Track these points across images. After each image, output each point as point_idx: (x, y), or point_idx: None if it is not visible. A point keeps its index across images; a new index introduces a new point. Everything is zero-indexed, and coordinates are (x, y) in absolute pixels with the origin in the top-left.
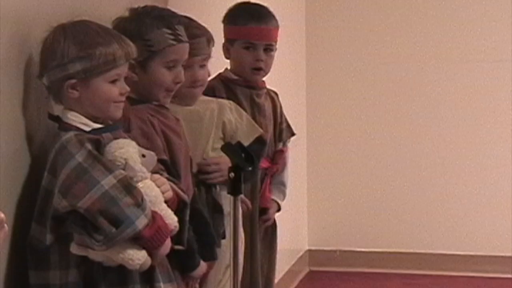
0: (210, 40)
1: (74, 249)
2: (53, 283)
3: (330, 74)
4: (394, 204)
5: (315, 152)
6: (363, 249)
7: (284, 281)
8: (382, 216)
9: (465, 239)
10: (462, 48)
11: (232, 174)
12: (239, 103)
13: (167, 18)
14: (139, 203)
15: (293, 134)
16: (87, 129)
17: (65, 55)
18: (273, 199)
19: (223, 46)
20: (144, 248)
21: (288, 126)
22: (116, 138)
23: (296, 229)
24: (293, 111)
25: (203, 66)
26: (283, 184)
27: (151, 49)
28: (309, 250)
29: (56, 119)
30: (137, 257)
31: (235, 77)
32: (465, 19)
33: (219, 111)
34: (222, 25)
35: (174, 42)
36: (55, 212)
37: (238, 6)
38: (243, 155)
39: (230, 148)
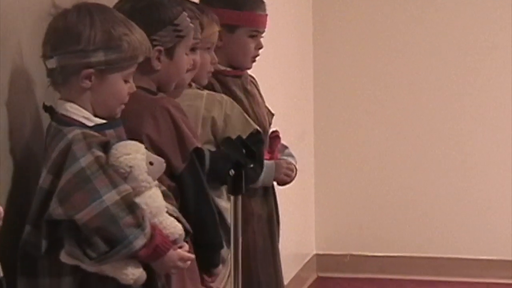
0: (203, 23)
1: (64, 258)
2: None
3: (337, 73)
4: (407, 205)
5: (323, 150)
6: (375, 254)
7: (290, 287)
8: (395, 218)
9: (485, 243)
10: (473, 45)
11: (232, 172)
12: (234, 96)
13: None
14: (140, 223)
15: (273, 114)
16: (90, 124)
17: (91, 41)
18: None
19: None
20: (140, 262)
21: (266, 107)
22: (118, 136)
23: (303, 232)
24: (300, 111)
25: (194, 50)
26: (291, 155)
27: (179, 34)
28: (317, 255)
29: (50, 110)
30: (132, 272)
31: (225, 68)
32: (479, 18)
33: (206, 108)
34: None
35: (192, 26)
36: (49, 217)
37: None
38: (244, 151)
39: (230, 143)
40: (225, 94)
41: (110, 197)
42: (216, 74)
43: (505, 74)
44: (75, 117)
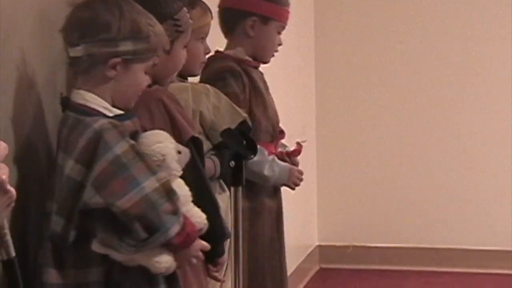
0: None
1: (96, 247)
2: (69, 282)
3: (339, 67)
4: (409, 196)
5: (325, 143)
6: (377, 245)
7: (292, 279)
8: (397, 209)
9: (487, 233)
10: (476, 44)
11: (232, 163)
12: (256, 87)
13: None
14: (177, 210)
15: None
16: (110, 114)
17: (121, 31)
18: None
19: (247, 21)
20: (170, 251)
21: None
22: (135, 127)
23: (305, 223)
24: (302, 105)
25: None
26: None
27: (179, 29)
28: (319, 246)
29: (65, 100)
30: (165, 261)
31: (247, 58)
32: (479, 20)
33: (194, 100)
34: None
35: (191, 21)
36: (85, 206)
37: None
38: (244, 142)
39: (230, 134)
40: (249, 82)
41: (150, 184)
42: (240, 62)
43: (505, 70)
44: (95, 107)
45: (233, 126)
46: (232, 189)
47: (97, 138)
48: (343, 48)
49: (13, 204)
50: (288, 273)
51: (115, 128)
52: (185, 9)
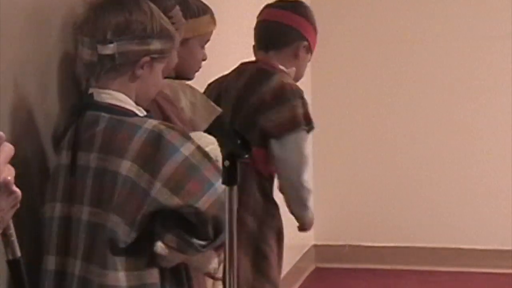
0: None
1: (160, 249)
2: (132, 284)
3: (335, 68)
4: (405, 195)
5: (321, 142)
6: (374, 244)
7: (288, 278)
8: (394, 208)
9: (485, 232)
10: (472, 39)
11: (227, 162)
12: None
13: None
14: None
15: None
16: (141, 114)
17: (154, 30)
18: None
19: (301, 43)
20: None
21: None
22: None
23: None
24: None
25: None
26: None
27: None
28: (315, 245)
29: (86, 100)
30: (215, 261)
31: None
32: (480, 15)
33: (173, 97)
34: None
35: (184, 21)
36: (158, 207)
37: None
38: (239, 141)
39: (224, 133)
40: None
41: (221, 185)
42: None
43: (504, 69)
44: (129, 107)
45: (209, 121)
46: (226, 188)
47: (156, 139)
48: (339, 46)
49: (18, 205)
50: (284, 273)
51: (172, 129)
52: (178, 7)
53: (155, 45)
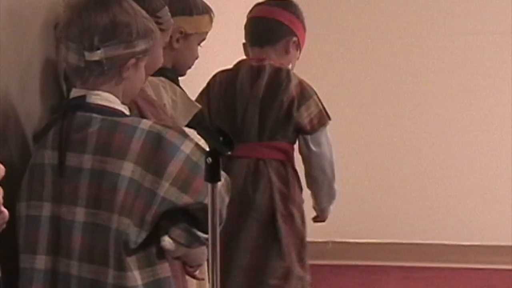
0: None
1: (168, 244)
2: (147, 281)
3: (320, 66)
4: (391, 191)
5: None
6: (357, 240)
7: None
8: (378, 204)
9: (468, 228)
10: (460, 31)
11: (209, 159)
12: None
13: None
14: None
15: None
16: (128, 113)
17: (139, 31)
18: None
19: (292, 39)
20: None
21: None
22: None
23: None
24: None
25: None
26: None
27: (161, 27)
28: None
29: (76, 101)
30: (206, 254)
31: None
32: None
33: (156, 94)
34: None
35: (171, 21)
36: (174, 206)
37: None
38: (221, 138)
39: (206, 130)
40: None
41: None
42: None
43: (504, 68)
44: (118, 107)
45: (189, 117)
46: (209, 185)
47: (156, 139)
48: (324, 44)
49: (4, 226)
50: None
51: (168, 128)
52: (166, 8)
53: (140, 46)
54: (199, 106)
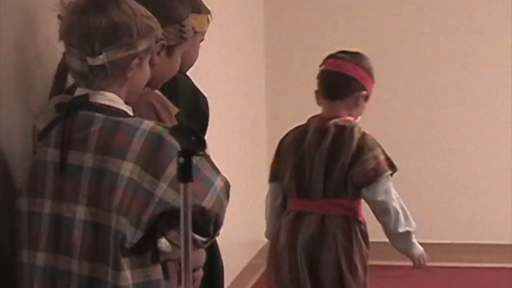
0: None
1: (164, 246)
2: (138, 282)
3: (290, 64)
4: None
5: (276, 138)
6: None
7: (243, 276)
8: None
9: (468, 227)
10: (471, 40)
11: (181, 159)
12: None
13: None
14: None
15: None
16: (131, 114)
17: (140, 31)
18: None
19: (362, 93)
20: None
21: None
22: None
23: (255, 219)
24: (252, 101)
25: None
26: None
27: (183, 36)
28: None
29: (79, 100)
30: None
31: None
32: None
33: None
34: None
35: (192, 32)
36: (171, 207)
37: None
38: (193, 138)
39: (178, 131)
40: None
41: (219, 183)
42: None
43: (504, 67)
44: (120, 107)
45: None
46: (181, 185)
47: (156, 140)
48: (294, 42)
49: None
50: (239, 270)
51: (163, 128)
52: (189, 17)
53: (142, 45)
54: (177, 109)
